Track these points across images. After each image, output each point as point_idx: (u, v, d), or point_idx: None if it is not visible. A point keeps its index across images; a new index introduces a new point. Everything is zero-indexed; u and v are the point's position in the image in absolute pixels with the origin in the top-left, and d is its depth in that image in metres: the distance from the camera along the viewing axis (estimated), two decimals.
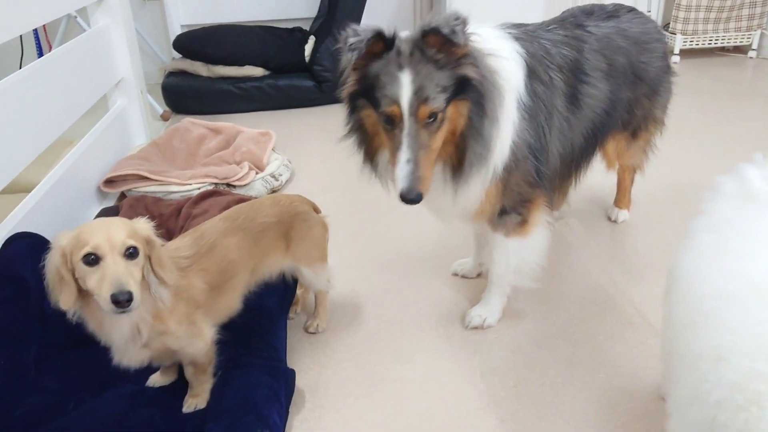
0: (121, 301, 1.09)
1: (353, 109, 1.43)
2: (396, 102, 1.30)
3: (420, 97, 1.29)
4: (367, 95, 1.36)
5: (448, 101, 1.33)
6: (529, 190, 1.59)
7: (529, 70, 1.51)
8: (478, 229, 1.82)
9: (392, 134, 1.34)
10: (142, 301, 1.20)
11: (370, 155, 1.50)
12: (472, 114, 1.38)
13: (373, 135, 1.45)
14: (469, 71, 1.34)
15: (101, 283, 1.11)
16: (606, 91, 1.70)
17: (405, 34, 1.34)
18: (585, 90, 1.65)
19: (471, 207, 1.56)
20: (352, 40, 1.29)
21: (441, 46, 1.30)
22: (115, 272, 1.11)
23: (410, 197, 1.31)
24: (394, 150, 1.33)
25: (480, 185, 1.50)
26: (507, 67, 1.46)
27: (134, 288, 1.12)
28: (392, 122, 1.33)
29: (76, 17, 3.48)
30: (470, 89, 1.35)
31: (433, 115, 1.31)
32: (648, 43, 1.84)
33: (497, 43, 1.48)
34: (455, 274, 2.01)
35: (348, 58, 1.32)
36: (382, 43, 1.31)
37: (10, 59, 3.87)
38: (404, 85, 1.29)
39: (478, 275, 2.00)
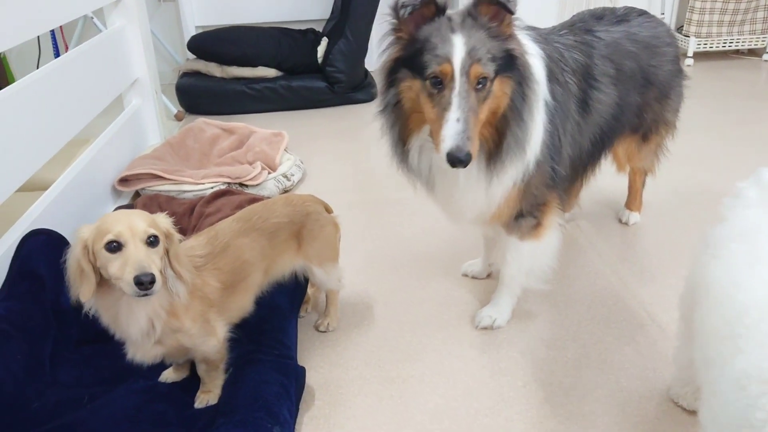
0: (144, 282, 1.12)
1: (391, 83, 1.41)
2: (448, 60, 1.28)
3: (473, 57, 1.29)
4: (411, 62, 1.35)
5: (496, 73, 1.33)
6: (546, 192, 1.60)
7: (548, 72, 1.52)
8: (489, 231, 1.82)
9: (440, 96, 1.31)
10: (157, 296, 1.22)
11: (403, 137, 1.47)
12: (514, 95, 1.38)
13: (409, 113, 1.42)
14: (516, 48, 1.36)
15: (124, 267, 1.13)
16: (615, 96, 1.70)
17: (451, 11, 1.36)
18: (595, 95, 1.65)
19: (496, 204, 1.54)
20: None
21: (493, 15, 1.32)
22: (138, 256, 1.14)
23: (460, 156, 1.26)
24: (442, 112, 1.30)
25: (513, 178, 1.49)
26: (535, 64, 1.47)
27: (156, 272, 1.14)
28: (441, 83, 1.30)
29: (92, 18, 3.53)
30: (515, 69, 1.36)
31: (483, 80, 1.31)
32: (658, 46, 1.84)
33: (523, 41, 1.48)
34: (465, 275, 2.02)
35: (401, 15, 1.31)
36: (434, 7, 1.32)
37: (27, 60, 3.93)
38: (457, 45, 1.29)
39: (488, 276, 2.00)
